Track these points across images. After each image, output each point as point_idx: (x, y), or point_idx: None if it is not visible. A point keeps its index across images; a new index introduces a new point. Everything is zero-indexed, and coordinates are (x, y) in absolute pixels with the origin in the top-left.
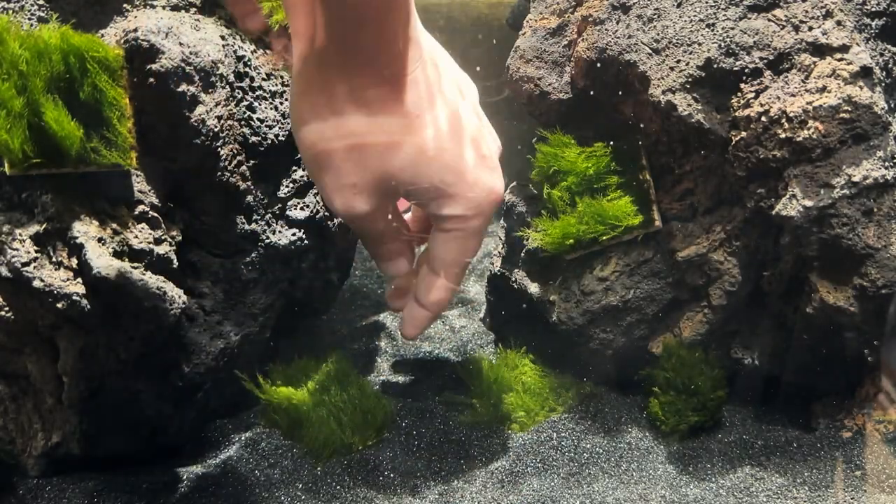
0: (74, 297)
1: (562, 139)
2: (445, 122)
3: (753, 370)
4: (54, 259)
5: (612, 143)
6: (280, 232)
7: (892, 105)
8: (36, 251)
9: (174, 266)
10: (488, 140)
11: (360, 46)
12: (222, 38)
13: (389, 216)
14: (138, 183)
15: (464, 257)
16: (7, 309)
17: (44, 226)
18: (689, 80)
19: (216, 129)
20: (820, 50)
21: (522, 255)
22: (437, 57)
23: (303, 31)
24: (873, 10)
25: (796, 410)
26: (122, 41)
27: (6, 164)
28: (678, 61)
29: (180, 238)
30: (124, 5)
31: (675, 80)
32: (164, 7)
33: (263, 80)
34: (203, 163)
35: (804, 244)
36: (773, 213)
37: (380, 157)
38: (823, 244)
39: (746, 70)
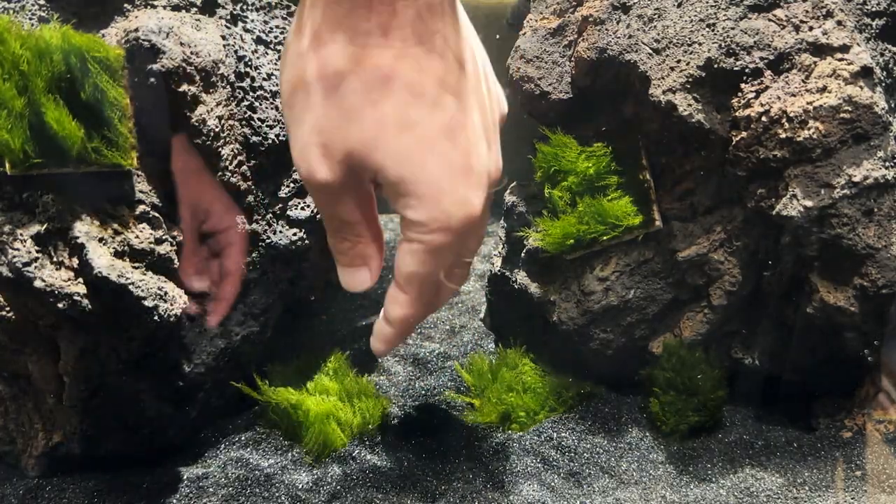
0: (75, 297)
1: (562, 139)
2: (444, 114)
3: (753, 370)
4: (55, 259)
5: (612, 143)
6: (281, 232)
7: (893, 105)
8: (37, 251)
9: (174, 266)
10: (484, 158)
11: None
12: (223, 37)
13: (358, 209)
14: (139, 183)
15: (422, 274)
16: (8, 309)
17: (45, 226)
18: (690, 80)
19: (217, 129)
20: (820, 50)
21: (522, 255)
22: (476, 51)
23: None
24: (873, 10)
25: (796, 410)
26: (123, 41)
27: (7, 164)
28: (678, 61)
29: (181, 238)
30: (125, 5)
31: (675, 80)
32: (164, 7)
33: (264, 79)
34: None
35: (804, 244)
36: (774, 213)
37: (345, 121)
38: (824, 244)
39: (747, 70)
